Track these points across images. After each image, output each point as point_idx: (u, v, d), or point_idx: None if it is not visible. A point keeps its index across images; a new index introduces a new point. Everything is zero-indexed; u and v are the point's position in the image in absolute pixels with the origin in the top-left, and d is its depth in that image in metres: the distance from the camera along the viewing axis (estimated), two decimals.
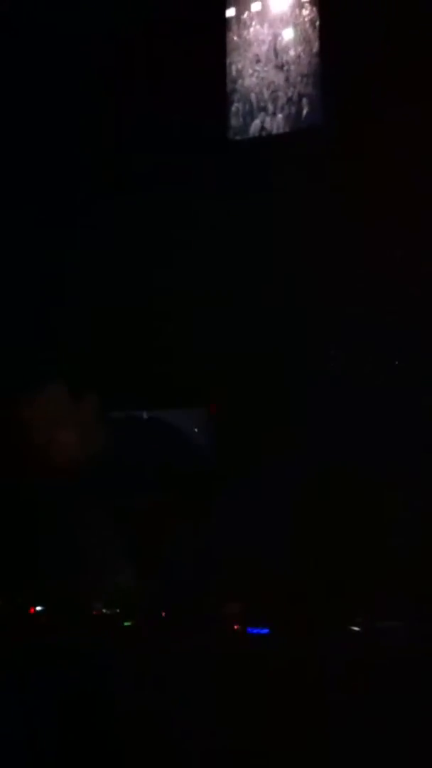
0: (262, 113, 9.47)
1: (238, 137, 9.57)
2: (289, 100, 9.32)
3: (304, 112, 9.25)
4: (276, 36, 9.42)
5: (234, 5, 9.60)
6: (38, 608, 8.12)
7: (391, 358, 8.75)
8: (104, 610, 8.14)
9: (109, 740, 7.05)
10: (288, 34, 9.34)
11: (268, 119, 9.46)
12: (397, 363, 8.72)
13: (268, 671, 7.14)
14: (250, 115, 9.53)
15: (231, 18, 9.61)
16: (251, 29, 9.54)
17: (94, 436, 8.49)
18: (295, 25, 9.29)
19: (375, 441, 8.24)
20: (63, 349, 9.12)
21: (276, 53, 9.42)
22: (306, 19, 9.23)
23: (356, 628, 7.60)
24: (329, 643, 7.33)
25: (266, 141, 9.44)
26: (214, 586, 8.07)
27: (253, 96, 9.51)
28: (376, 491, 8.14)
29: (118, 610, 8.10)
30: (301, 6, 9.26)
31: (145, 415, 8.95)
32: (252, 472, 8.41)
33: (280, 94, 9.39)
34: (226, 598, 7.99)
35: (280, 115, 9.39)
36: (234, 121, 9.59)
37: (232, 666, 7.22)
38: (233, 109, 9.60)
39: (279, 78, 9.39)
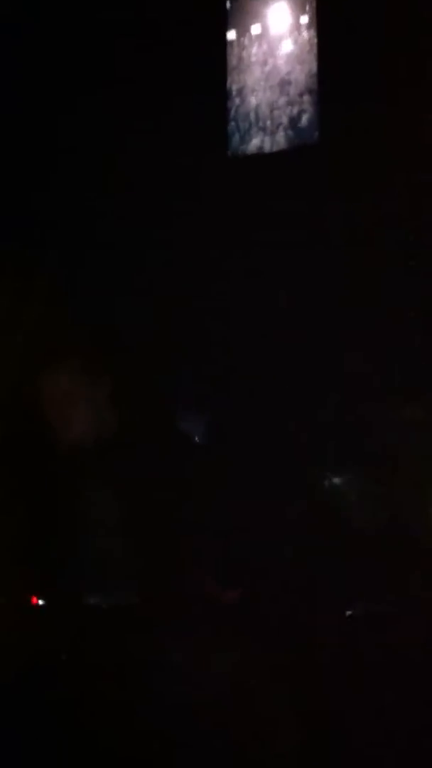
0: (261, 132, 9.67)
1: (236, 155, 9.75)
2: (289, 119, 9.52)
3: (303, 130, 9.44)
4: (275, 57, 9.65)
5: (234, 28, 9.82)
6: (40, 602, 8.12)
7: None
8: (103, 605, 8.15)
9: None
10: (287, 56, 9.57)
11: (266, 138, 9.66)
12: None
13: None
14: (248, 134, 9.72)
15: (232, 41, 9.84)
16: (251, 50, 9.76)
17: (97, 419, 8.48)
18: (294, 46, 9.52)
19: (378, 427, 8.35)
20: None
21: (275, 74, 9.63)
22: (305, 40, 9.46)
23: (350, 613, 7.64)
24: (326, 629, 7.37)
25: (264, 159, 9.60)
26: (212, 573, 8.10)
27: (252, 115, 9.71)
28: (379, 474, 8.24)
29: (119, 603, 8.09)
30: (299, 28, 9.49)
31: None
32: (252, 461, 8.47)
33: (279, 113, 9.59)
34: (222, 584, 8.01)
35: (278, 134, 9.59)
36: (233, 140, 9.78)
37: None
38: (231, 128, 9.79)
39: (278, 97, 9.60)
